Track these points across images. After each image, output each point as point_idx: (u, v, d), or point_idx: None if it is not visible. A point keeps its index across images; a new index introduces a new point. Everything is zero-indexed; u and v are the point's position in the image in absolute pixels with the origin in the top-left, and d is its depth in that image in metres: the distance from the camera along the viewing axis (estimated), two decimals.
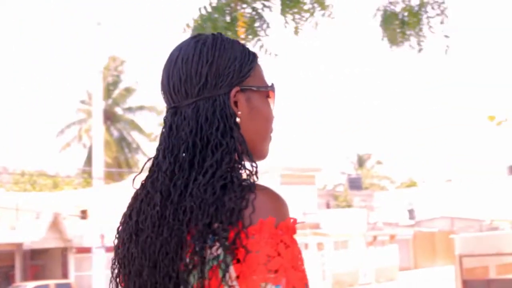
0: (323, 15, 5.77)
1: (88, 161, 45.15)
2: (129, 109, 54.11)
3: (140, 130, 53.61)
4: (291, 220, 1.54)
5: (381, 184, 68.51)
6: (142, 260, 1.63)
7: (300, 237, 38.49)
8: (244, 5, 5.51)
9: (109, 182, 39.43)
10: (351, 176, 59.42)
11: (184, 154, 1.63)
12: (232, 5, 5.40)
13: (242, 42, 5.43)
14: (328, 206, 51.43)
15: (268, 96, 1.74)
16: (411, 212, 55.28)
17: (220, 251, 1.50)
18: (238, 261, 1.49)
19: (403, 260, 45.41)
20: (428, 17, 6.35)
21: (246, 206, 1.52)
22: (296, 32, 5.75)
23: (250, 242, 1.49)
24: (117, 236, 1.76)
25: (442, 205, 52.95)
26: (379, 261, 40.25)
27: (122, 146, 53.16)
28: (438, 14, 6.33)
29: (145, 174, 1.78)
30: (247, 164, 1.64)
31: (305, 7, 5.70)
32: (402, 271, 43.28)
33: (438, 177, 69.24)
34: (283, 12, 5.66)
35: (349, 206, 51.22)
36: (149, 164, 1.75)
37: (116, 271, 1.73)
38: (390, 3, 6.42)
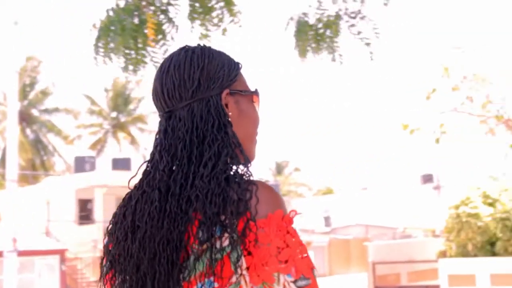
0: (231, 21, 5.76)
1: (2, 163, 44.10)
2: (46, 111, 53.09)
3: (57, 132, 52.65)
4: (292, 213, 1.66)
5: (298, 191, 69.05)
6: (140, 253, 1.68)
7: None
8: (152, 7, 5.46)
9: (23, 185, 38.60)
10: (269, 182, 59.69)
11: (181, 152, 1.71)
12: (143, 8, 5.36)
13: (151, 44, 5.42)
14: None
15: (253, 101, 1.86)
16: (327, 219, 55.85)
17: (228, 241, 1.59)
18: (249, 253, 1.58)
19: (318, 267, 45.76)
20: (350, 26, 6.40)
21: (251, 198, 1.62)
22: (204, 38, 5.72)
23: (260, 234, 1.59)
24: (108, 235, 1.80)
25: (358, 213, 53.67)
26: None
27: (37, 148, 52.09)
28: (353, 25, 6.39)
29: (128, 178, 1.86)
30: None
31: (214, 13, 5.68)
32: (317, 278, 43.65)
33: (354, 185, 70.24)
34: (191, 17, 5.63)
35: None
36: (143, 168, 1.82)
37: (106, 269, 1.78)
38: (304, 14, 6.47)
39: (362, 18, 6.38)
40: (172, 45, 5.43)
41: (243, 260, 1.59)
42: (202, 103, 1.74)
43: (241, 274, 1.59)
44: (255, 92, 1.86)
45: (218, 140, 1.70)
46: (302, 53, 6.43)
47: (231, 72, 1.81)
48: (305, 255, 1.62)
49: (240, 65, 1.85)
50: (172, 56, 1.83)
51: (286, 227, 1.61)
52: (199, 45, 1.86)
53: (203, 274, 1.60)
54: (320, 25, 6.48)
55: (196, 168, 1.68)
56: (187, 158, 1.70)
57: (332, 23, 6.40)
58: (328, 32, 6.43)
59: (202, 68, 1.77)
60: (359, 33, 6.38)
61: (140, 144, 52.78)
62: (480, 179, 24.58)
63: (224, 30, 5.73)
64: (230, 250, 1.58)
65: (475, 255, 21.82)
